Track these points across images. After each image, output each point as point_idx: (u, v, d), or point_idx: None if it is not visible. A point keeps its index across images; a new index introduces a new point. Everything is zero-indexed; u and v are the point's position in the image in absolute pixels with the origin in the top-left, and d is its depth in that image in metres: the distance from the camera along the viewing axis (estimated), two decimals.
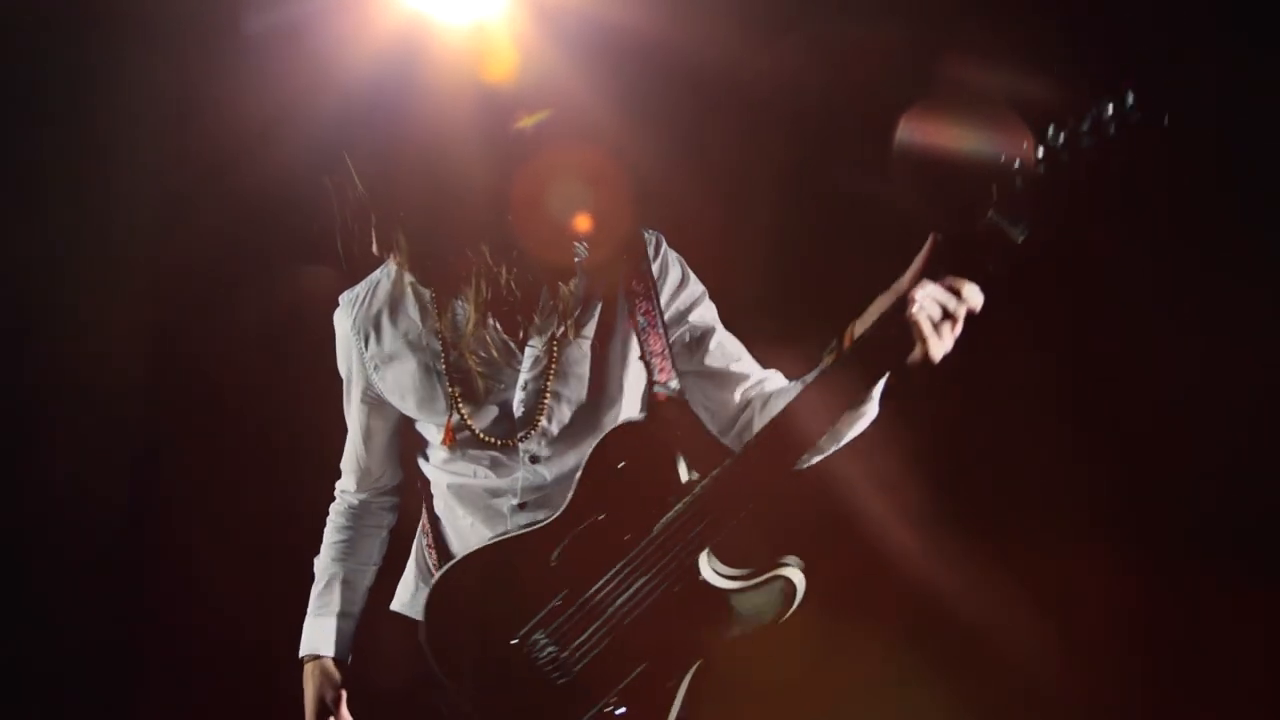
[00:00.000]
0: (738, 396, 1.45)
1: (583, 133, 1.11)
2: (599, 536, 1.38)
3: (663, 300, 1.45)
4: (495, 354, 1.43)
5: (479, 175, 1.23)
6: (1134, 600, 1.69)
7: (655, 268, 1.44)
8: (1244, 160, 1.63)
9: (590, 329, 1.44)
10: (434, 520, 1.57)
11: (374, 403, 1.51)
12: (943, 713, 1.67)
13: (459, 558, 1.47)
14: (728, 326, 1.44)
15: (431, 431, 1.50)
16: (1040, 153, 1.14)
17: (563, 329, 1.41)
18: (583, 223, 1.34)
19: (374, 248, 1.35)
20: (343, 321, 1.50)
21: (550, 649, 1.37)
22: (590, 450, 1.43)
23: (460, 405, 1.44)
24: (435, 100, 1.10)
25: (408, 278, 1.44)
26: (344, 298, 1.50)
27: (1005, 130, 1.34)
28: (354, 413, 1.56)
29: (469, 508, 1.51)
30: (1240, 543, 1.68)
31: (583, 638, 1.35)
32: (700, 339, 1.46)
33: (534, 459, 1.46)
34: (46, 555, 1.77)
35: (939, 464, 1.69)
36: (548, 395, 1.44)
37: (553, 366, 1.45)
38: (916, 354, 1.25)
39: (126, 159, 1.62)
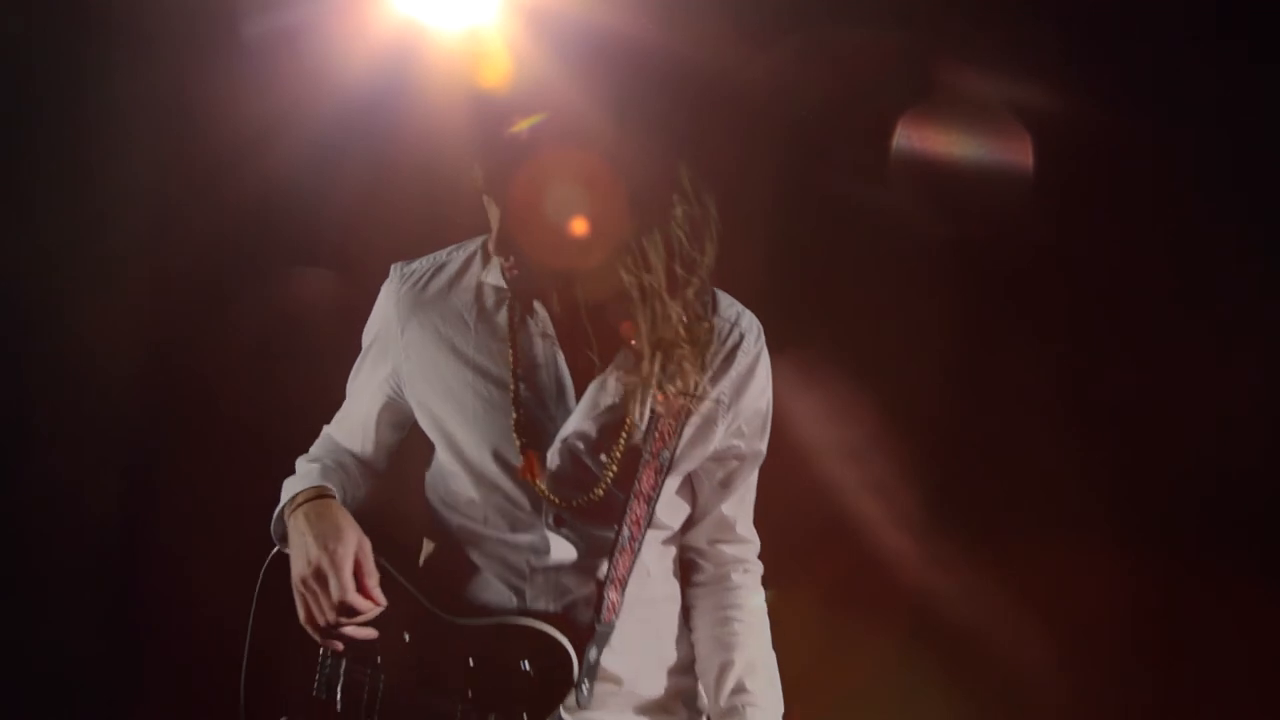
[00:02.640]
0: (716, 561, 1.37)
1: (579, 136, 1.10)
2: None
3: (720, 430, 1.31)
4: (555, 391, 1.30)
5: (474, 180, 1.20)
6: (1138, 603, 1.69)
7: (734, 371, 1.32)
8: (1245, 160, 1.62)
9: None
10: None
11: (393, 394, 1.37)
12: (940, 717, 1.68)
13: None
14: None
15: (456, 460, 1.34)
16: None
17: (693, 385, 1.26)
18: (580, 226, 1.31)
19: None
20: (388, 294, 1.34)
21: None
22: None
23: (524, 443, 1.28)
24: (429, 106, 1.09)
25: (486, 274, 1.31)
26: (397, 269, 1.36)
27: (1002, 135, 1.35)
28: (366, 389, 1.40)
29: (479, 555, 1.35)
30: (1248, 545, 1.68)
31: None
32: (728, 483, 1.36)
33: (558, 521, 1.32)
34: (44, 558, 1.78)
35: (934, 467, 1.69)
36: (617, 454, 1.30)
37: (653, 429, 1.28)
38: None
39: (120, 165, 1.61)
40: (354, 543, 1.31)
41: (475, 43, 1.02)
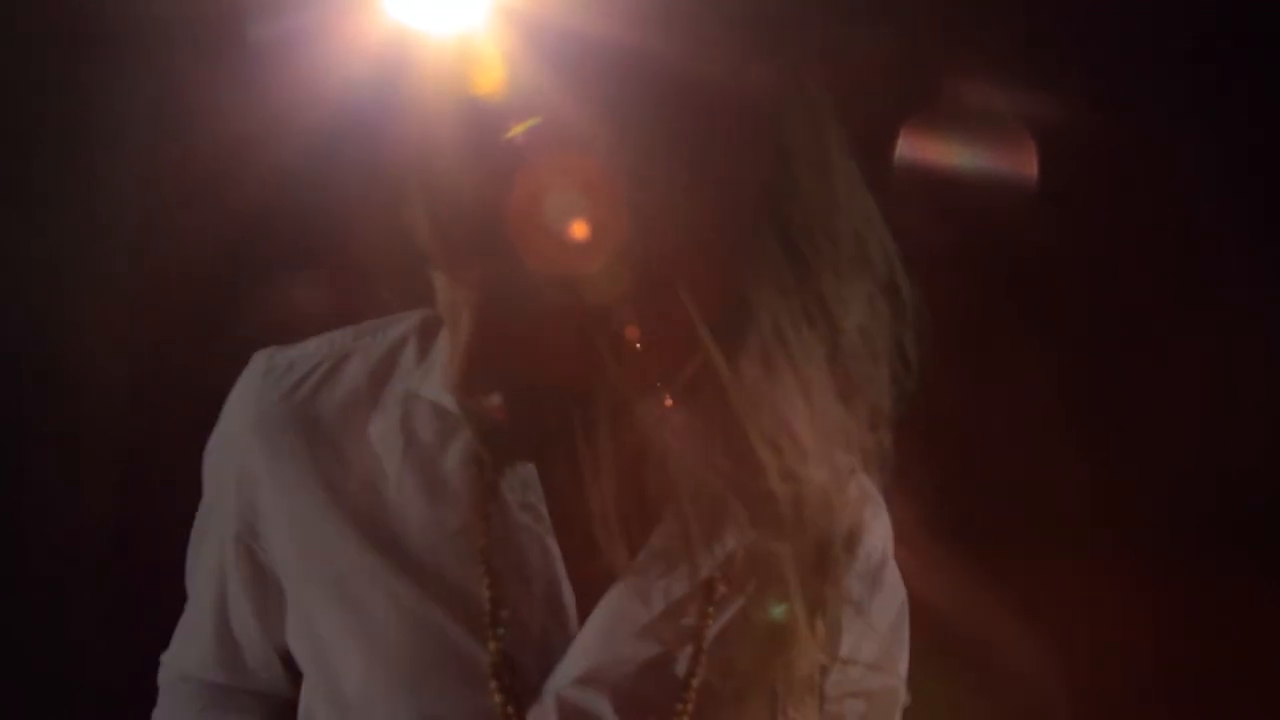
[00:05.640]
0: None
1: (574, 140, 1.10)
2: None
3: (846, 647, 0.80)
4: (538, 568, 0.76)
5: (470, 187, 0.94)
6: (1152, 615, 1.68)
7: (865, 551, 0.80)
8: (1245, 161, 1.61)
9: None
10: None
11: (257, 557, 0.84)
12: None
13: None
14: None
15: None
16: None
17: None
18: (580, 230, 1.25)
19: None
20: (243, 405, 0.82)
21: None
22: None
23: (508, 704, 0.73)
24: (421, 113, 1.06)
25: (420, 382, 0.79)
26: (262, 358, 0.86)
27: (1009, 142, 1.34)
28: (212, 569, 0.89)
29: None
30: (1260, 551, 1.67)
31: None
32: None
33: None
34: (44, 558, 1.78)
35: (934, 470, 1.68)
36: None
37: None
38: None
39: (112, 169, 1.61)
40: None
41: (467, 48, 1.02)
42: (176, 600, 2.00)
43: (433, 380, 0.80)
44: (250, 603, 0.88)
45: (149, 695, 1.99)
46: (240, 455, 0.84)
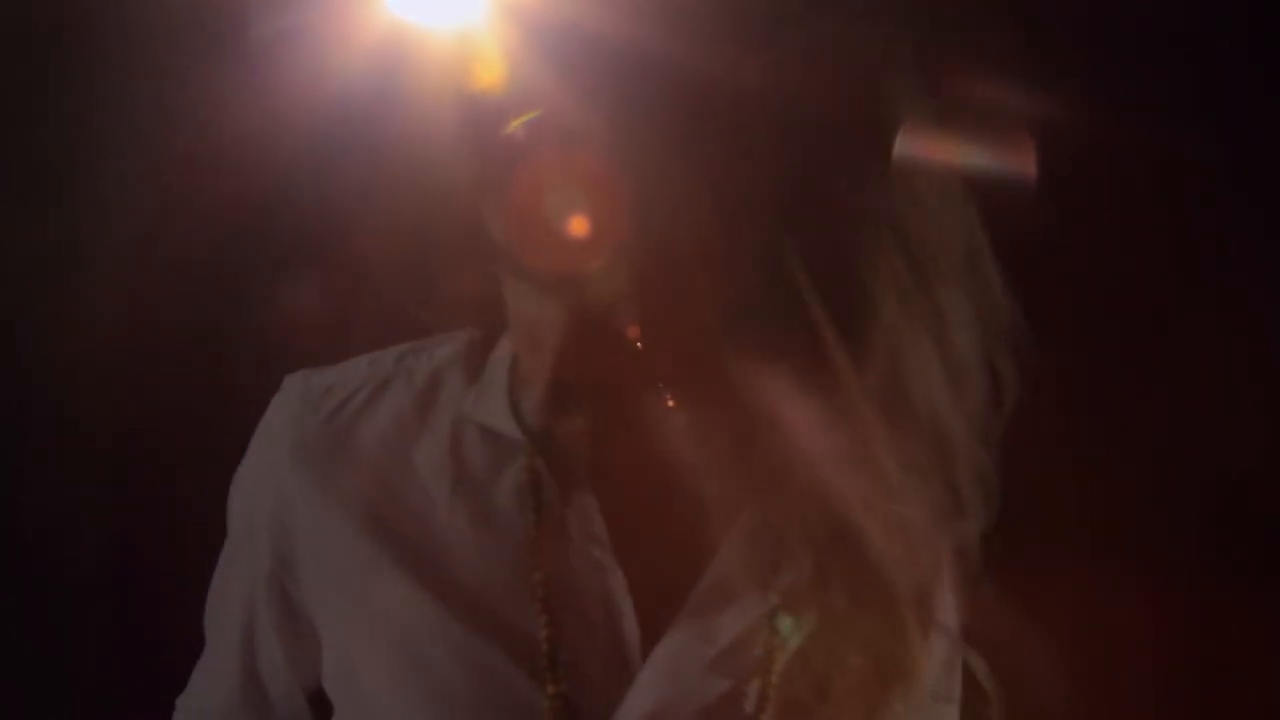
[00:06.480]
0: None
1: (574, 134, 1.10)
2: None
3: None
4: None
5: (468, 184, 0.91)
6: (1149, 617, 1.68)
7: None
8: (1247, 161, 1.61)
9: None
10: None
11: (289, 598, 0.79)
12: None
13: None
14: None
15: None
16: None
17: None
18: (579, 227, 1.23)
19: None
20: (279, 430, 0.78)
21: None
22: None
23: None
24: (420, 109, 1.05)
25: (473, 404, 0.74)
26: (297, 382, 0.81)
27: (1008, 140, 1.33)
28: (237, 614, 0.83)
29: None
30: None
31: None
32: None
33: None
34: (43, 558, 1.78)
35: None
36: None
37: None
38: None
39: (109, 167, 1.61)
40: None
41: (466, 43, 1.02)
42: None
43: (486, 403, 0.76)
44: (280, 643, 0.83)
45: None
46: (276, 486, 0.80)
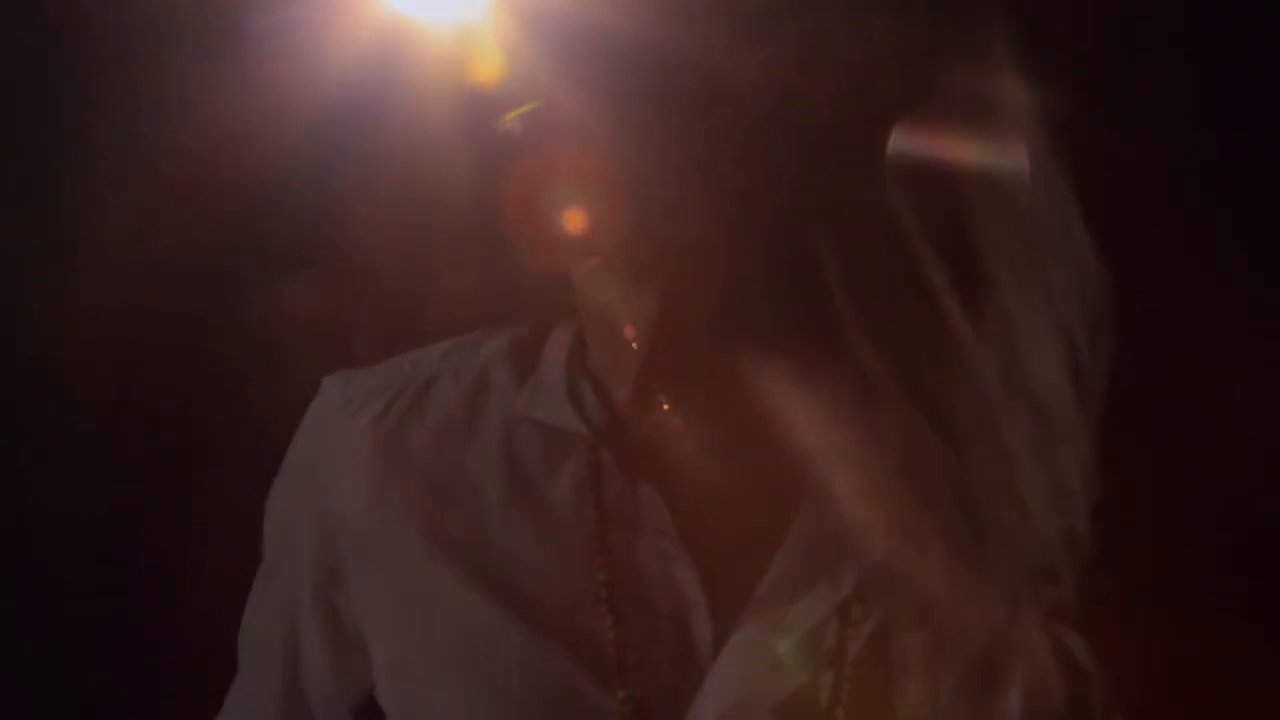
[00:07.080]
0: None
1: (573, 128, 1.09)
2: None
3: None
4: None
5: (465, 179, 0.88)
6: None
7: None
8: (1248, 161, 1.61)
9: None
10: None
11: (339, 615, 0.76)
12: None
13: None
14: None
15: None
16: None
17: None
18: (577, 221, 1.19)
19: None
20: (321, 434, 0.75)
21: None
22: None
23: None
24: (418, 103, 1.03)
25: (529, 401, 0.72)
26: (336, 383, 0.77)
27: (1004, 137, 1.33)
28: (278, 635, 0.80)
29: None
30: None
31: None
32: None
33: None
34: (43, 558, 1.78)
35: None
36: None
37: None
38: None
39: (104, 165, 1.61)
40: None
41: (464, 37, 1.02)
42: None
43: (544, 400, 0.74)
44: (326, 657, 0.80)
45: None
46: (320, 495, 0.77)
